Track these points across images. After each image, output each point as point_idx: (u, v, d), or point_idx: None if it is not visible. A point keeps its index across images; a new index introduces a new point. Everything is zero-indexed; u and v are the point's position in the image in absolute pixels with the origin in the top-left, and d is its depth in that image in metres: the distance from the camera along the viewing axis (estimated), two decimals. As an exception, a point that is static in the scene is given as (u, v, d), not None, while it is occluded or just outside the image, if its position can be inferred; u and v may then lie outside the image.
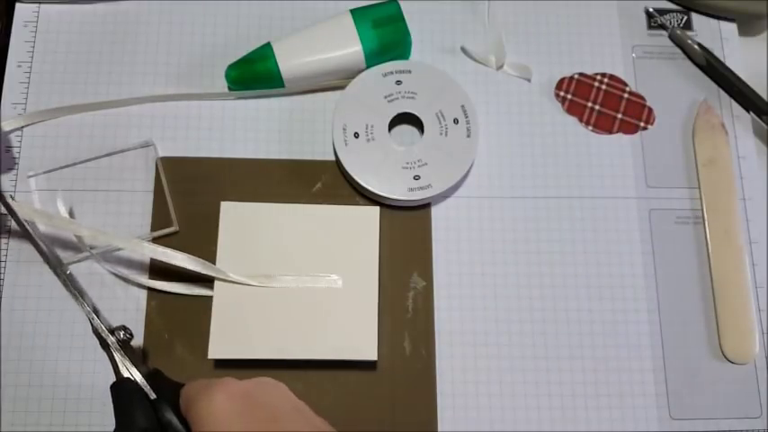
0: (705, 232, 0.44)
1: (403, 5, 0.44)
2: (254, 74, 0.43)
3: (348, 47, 0.43)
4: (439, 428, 0.40)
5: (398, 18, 0.44)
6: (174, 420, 0.32)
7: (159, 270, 0.41)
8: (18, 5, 0.46)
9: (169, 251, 0.40)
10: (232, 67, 0.44)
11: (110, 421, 0.39)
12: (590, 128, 0.46)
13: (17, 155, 0.43)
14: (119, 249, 0.41)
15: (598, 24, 0.49)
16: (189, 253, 0.40)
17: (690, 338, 0.42)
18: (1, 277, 0.41)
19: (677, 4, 0.49)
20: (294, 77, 0.44)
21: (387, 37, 0.44)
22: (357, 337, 0.39)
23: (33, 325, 0.40)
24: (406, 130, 0.45)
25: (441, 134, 0.43)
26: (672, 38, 0.49)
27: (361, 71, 0.44)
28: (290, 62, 0.43)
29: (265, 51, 0.43)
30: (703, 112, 0.46)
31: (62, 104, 0.44)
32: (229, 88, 0.45)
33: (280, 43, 0.43)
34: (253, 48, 0.44)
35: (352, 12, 0.44)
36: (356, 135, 0.43)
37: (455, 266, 0.43)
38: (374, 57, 0.44)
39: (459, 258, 0.43)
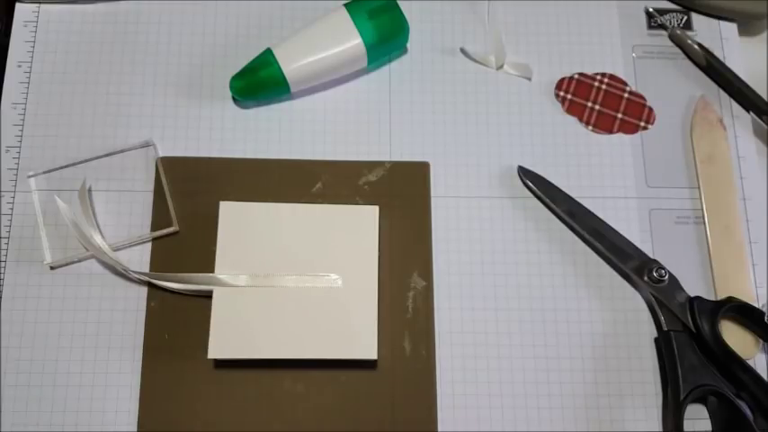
0: (705, 231, 0.44)
1: (403, 6, 0.44)
2: (259, 81, 0.43)
3: (348, 41, 0.43)
4: (439, 428, 0.40)
5: (393, 6, 0.44)
6: None
7: (160, 269, 0.41)
8: (18, 5, 0.46)
9: (166, 282, 0.40)
10: (236, 77, 0.44)
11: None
12: (590, 128, 0.46)
13: (17, 155, 0.43)
14: (120, 248, 0.41)
15: (598, 24, 0.49)
16: (189, 253, 0.41)
17: (690, 338, 0.42)
18: (1, 277, 0.41)
19: (677, 4, 0.49)
20: (299, 79, 0.44)
21: (384, 26, 0.44)
22: (357, 336, 0.38)
23: (33, 325, 0.40)
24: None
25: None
26: (672, 38, 0.49)
27: (363, 64, 0.44)
28: (293, 65, 0.43)
29: (267, 58, 0.43)
30: (701, 108, 0.46)
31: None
32: (234, 98, 0.45)
33: (280, 47, 0.43)
34: (251, 46, 0.44)
35: (347, 6, 0.44)
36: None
37: (455, 266, 0.43)
38: (375, 48, 0.44)
39: (459, 258, 0.43)
